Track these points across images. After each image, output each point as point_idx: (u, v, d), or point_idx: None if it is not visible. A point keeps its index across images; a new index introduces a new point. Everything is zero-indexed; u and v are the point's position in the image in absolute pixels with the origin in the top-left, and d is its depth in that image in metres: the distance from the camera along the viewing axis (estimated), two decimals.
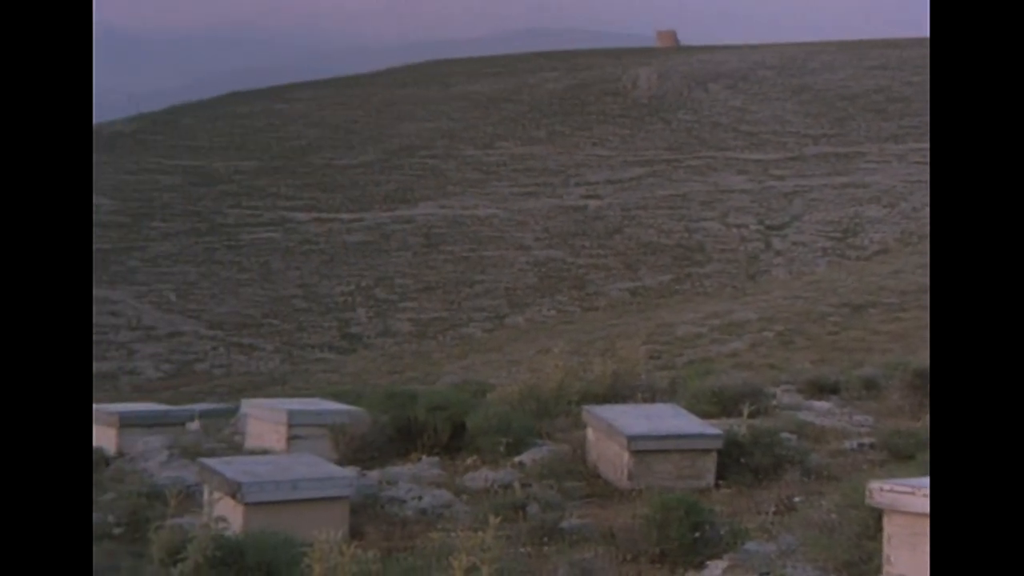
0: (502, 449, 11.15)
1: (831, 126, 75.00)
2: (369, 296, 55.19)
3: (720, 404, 12.62)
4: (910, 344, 25.30)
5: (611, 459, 10.45)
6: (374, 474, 10.59)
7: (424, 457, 11.37)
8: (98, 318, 52.51)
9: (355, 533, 8.76)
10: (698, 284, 54.07)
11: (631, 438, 10.15)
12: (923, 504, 6.16)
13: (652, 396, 13.31)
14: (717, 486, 10.17)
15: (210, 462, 9.34)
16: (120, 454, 12.70)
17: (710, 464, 10.28)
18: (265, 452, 11.28)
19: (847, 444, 11.54)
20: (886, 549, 6.69)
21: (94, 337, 50.00)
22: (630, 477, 10.16)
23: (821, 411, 13.45)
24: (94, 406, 15.11)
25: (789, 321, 33.47)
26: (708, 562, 7.92)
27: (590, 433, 10.91)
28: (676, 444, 10.26)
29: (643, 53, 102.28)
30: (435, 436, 11.65)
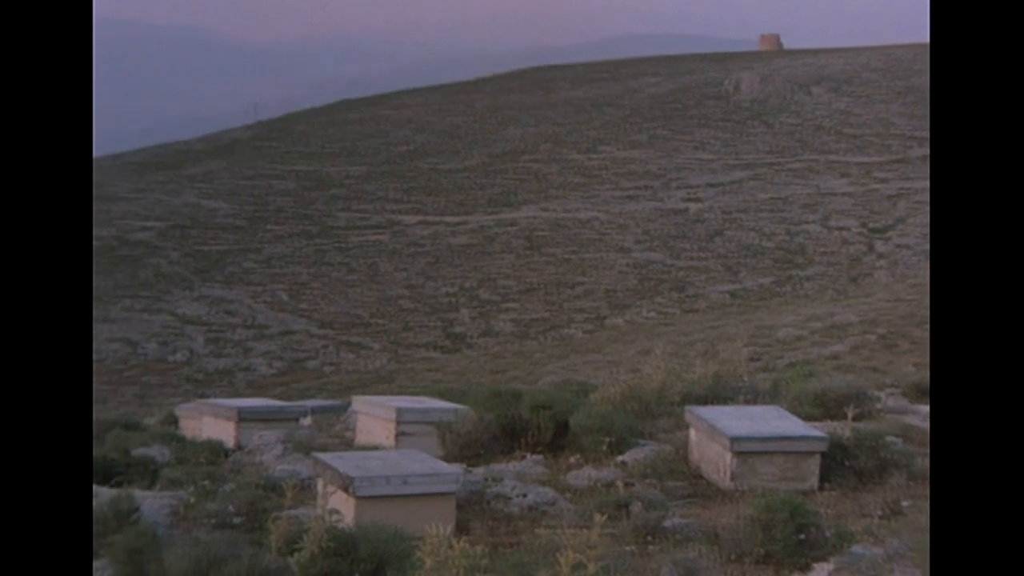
0: (605, 448, 11.21)
1: None
2: (472, 297, 55.63)
3: (823, 407, 12.49)
4: None
5: (713, 460, 10.44)
6: (479, 471, 10.71)
7: (528, 455, 11.47)
8: (215, 317, 54.08)
9: (461, 528, 8.88)
10: (799, 287, 53.50)
11: (734, 439, 10.14)
12: None
13: (754, 398, 13.24)
14: (821, 489, 10.08)
15: (324, 457, 9.53)
16: (238, 447, 13.09)
17: (814, 466, 10.20)
18: (375, 448, 11.46)
19: None
20: None
21: (212, 335, 51.45)
22: (733, 478, 10.14)
23: (926, 415, 13.27)
24: (214, 401, 15.59)
25: (892, 324, 32.97)
26: (814, 564, 7.85)
27: (692, 434, 10.92)
28: (780, 446, 10.19)
29: (746, 57, 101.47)
30: (539, 434, 11.74)
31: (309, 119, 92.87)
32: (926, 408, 13.85)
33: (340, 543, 7.51)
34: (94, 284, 58.50)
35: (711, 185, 69.32)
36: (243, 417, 13.82)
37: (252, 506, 9.20)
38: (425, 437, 11.83)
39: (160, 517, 9.24)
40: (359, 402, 13.30)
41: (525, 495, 9.98)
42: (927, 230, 57.94)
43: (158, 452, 12.23)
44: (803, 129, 78.01)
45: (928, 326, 32.32)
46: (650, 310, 52.02)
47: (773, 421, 10.81)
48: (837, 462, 10.29)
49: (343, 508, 8.53)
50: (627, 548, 8.34)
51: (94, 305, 55.87)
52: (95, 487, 10.21)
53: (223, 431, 13.68)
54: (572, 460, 11.24)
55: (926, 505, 8.55)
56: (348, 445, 12.47)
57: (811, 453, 10.25)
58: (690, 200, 67.24)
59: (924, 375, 17.09)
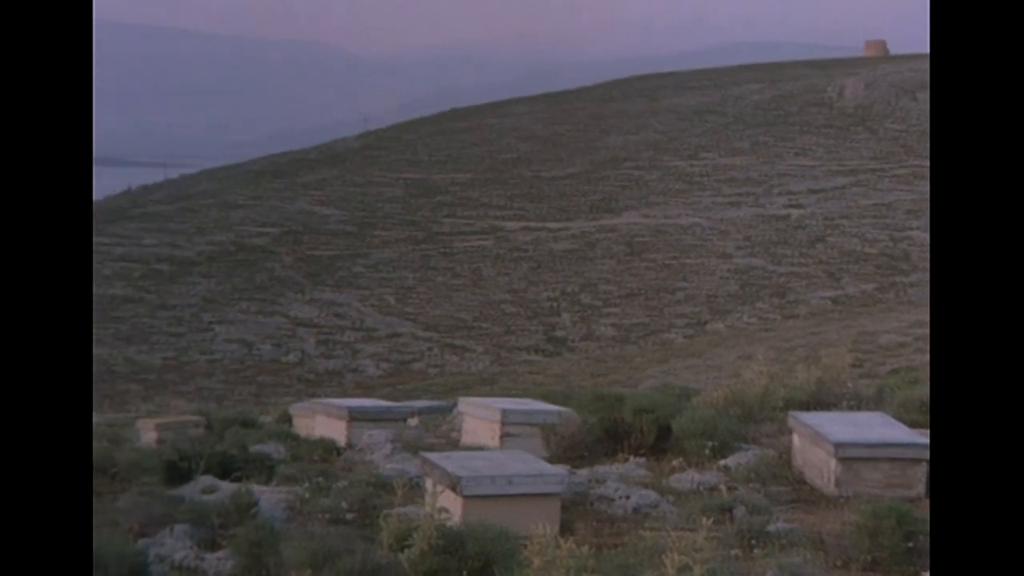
0: (707, 452, 11.23)
1: None
2: (574, 302, 55.84)
3: (929, 414, 12.40)
4: None
5: (817, 465, 10.41)
6: (583, 472, 10.76)
7: (631, 457, 11.51)
8: (325, 319, 55.27)
9: (565, 529, 8.94)
10: (902, 293, 52.77)
11: (838, 445, 10.10)
12: None
13: (857, 404, 13.16)
14: (928, 496, 10.05)
15: (431, 456, 9.70)
16: (349, 446, 13.39)
17: (920, 474, 10.06)
18: (480, 448, 11.60)
19: None
20: None
21: (323, 337, 52.55)
22: (837, 484, 10.09)
23: None
24: (326, 400, 15.96)
25: None
26: (922, 573, 7.76)
27: (796, 439, 10.88)
28: (885, 452, 10.11)
29: (850, 63, 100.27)
30: (641, 437, 11.77)
31: (417, 128, 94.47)
32: None
33: (449, 541, 7.66)
34: (213, 288, 60.19)
35: (813, 191, 68.65)
36: (354, 417, 14.12)
37: (364, 503, 9.44)
38: (529, 438, 11.93)
39: (277, 511, 9.51)
40: (465, 403, 13.46)
41: (628, 497, 10.02)
42: None
43: (274, 449, 12.55)
44: (908, 135, 76.85)
45: None
46: (751, 316, 51.70)
47: (878, 428, 10.74)
48: None
49: (451, 507, 8.68)
50: (732, 552, 8.31)
51: (212, 308, 57.45)
52: (214, 481, 10.59)
53: (335, 430, 14.00)
54: (675, 463, 11.26)
55: None
56: (454, 445, 12.63)
57: (917, 460, 10.14)
58: (792, 206, 66.65)
59: None
